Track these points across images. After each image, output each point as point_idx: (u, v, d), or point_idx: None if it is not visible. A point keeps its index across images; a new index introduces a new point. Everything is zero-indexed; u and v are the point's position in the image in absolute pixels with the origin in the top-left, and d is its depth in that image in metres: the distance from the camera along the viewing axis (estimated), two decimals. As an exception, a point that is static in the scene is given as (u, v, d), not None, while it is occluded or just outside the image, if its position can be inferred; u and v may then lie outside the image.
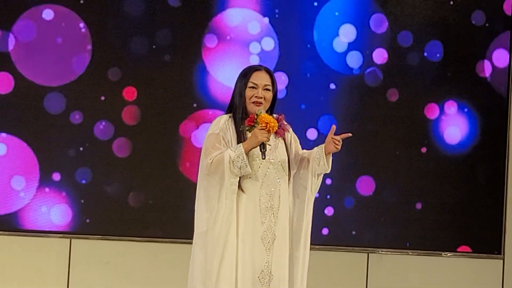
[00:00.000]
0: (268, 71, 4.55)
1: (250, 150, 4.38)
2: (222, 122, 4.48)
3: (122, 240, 6.67)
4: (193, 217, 6.63)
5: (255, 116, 4.39)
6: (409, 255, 6.88)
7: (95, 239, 6.66)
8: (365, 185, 6.85)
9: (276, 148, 4.50)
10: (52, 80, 6.64)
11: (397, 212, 6.87)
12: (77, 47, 6.65)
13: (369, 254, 6.85)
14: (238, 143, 4.42)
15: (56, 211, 6.64)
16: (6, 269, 6.60)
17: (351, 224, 6.81)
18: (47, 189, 6.62)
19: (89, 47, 6.65)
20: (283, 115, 4.55)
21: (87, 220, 6.65)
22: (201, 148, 6.59)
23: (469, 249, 6.91)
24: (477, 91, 6.95)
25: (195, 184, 6.54)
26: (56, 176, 6.62)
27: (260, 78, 4.50)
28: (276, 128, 4.39)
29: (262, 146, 4.36)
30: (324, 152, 4.49)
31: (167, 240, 6.69)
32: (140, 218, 6.69)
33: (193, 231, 6.59)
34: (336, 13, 6.83)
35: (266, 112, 4.47)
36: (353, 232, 6.79)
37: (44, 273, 6.62)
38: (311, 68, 6.80)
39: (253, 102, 4.47)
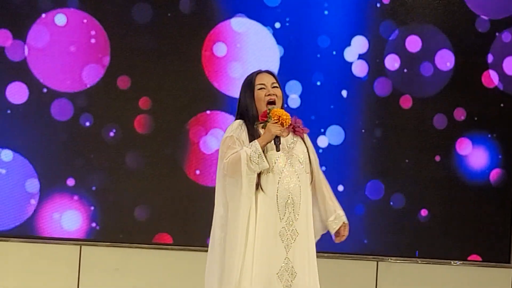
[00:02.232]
0: (269, 72, 4.62)
1: (265, 144, 4.40)
2: (236, 125, 4.51)
3: (131, 247, 6.68)
4: (202, 224, 6.67)
5: (268, 111, 4.44)
6: (418, 263, 6.88)
7: (105, 246, 6.67)
8: (375, 190, 6.84)
9: (295, 145, 4.52)
10: (65, 86, 6.66)
11: (406, 221, 6.87)
12: (88, 55, 6.67)
13: (378, 262, 6.85)
14: None
15: (66, 218, 6.65)
16: (17, 276, 6.61)
17: (360, 233, 6.80)
18: (58, 196, 6.64)
19: (100, 54, 6.68)
20: (300, 119, 4.59)
21: (97, 227, 6.67)
22: (209, 155, 6.72)
23: (479, 258, 6.90)
24: (487, 100, 6.94)
25: (205, 190, 6.63)
26: (71, 182, 6.64)
27: (265, 78, 4.57)
28: (289, 122, 4.43)
29: (276, 139, 4.39)
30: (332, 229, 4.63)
31: (176, 247, 6.70)
32: (150, 225, 6.70)
33: (203, 237, 6.63)
34: (347, 22, 6.84)
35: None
36: (365, 241, 6.79)
37: (54, 279, 6.63)
38: (321, 76, 6.81)
39: (267, 102, 4.51)
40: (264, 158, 4.37)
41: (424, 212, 6.88)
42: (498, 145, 6.95)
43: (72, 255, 6.64)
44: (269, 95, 4.51)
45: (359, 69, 6.85)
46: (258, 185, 4.42)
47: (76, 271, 6.65)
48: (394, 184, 6.86)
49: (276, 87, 4.55)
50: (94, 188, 6.66)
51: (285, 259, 4.42)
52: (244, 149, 4.39)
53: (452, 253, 6.88)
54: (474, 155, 6.93)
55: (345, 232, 4.65)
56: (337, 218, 4.63)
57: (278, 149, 4.40)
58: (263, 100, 4.51)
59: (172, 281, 6.69)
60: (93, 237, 6.67)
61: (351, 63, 6.84)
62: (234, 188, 4.42)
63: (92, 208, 6.66)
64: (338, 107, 6.81)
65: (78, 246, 6.65)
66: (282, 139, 4.46)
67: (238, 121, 4.53)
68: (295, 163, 4.48)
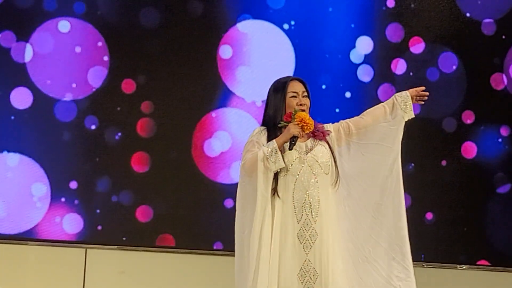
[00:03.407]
0: (301, 80, 4.65)
1: (283, 143, 4.43)
2: (257, 131, 4.56)
3: (137, 250, 6.69)
4: (207, 227, 6.68)
5: (293, 113, 4.46)
6: (424, 267, 6.86)
7: (110, 249, 6.68)
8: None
9: (315, 147, 4.52)
10: (70, 90, 6.68)
11: (412, 224, 6.85)
12: (93, 59, 6.69)
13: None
14: None
15: (71, 221, 6.66)
16: (22, 279, 6.63)
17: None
18: (63, 199, 6.65)
19: (106, 58, 6.70)
20: (324, 124, 4.61)
21: (103, 230, 6.68)
22: (214, 158, 6.72)
23: (486, 263, 6.88)
24: (493, 103, 6.93)
25: (209, 194, 6.64)
26: (73, 185, 6.65)
27: (298, 86, 4.60)
28: (312, 128, 4.44)
29: (293, 138, 4.41)
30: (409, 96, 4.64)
31: (181, 250, 6.70)
32: (154, 228, 6.70)
33: (208, 241, 6.63)
34: (352, 25, 6.85)
35: None
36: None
37: (59, 282, 6.64)
38: (327, 79, 6.81)
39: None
40: (280, 156, 4.39)
41: (429, 216, 6.87)
42: (506, 148, 6.93)
43: (77, 258, 6.65)
44: (300, 104, 4.54)
45: (364, 73, 6.84)
46: (274, 190, 4.43)
47: (82, 274, 6.66)
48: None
49: (306, 96, 4.59)
50: (99, 191, 6.67)
51: (305, 260, 4.43)
52: (262, 148, 4.43)
53: (458, 257, 6.86)
54: (481, 159, 6.91)
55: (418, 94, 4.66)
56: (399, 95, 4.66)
57: (290, 148, 4.41)
58: (293, 109, 4.54)
59: (178, 284, 6.69)
60: (99, 240, 6.67)
61: (356, 66, 6.84)
62: (252, 188, 4.44)
63: (98, 211, 6.67)
64: (344, 110, 6.81)
65: (84, 249, 6.66)
66: (301, 143, 4.49)
67: (259, 127, 4.58)
68: (313, 165, 4.49)
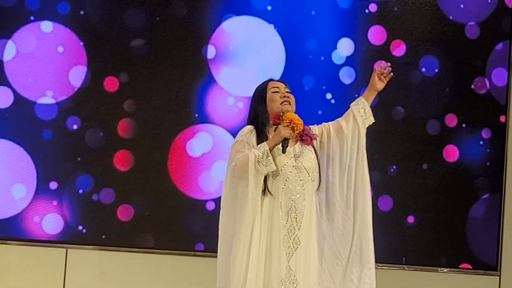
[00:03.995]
0: (283, 82, 4.66)
1: (274, 146, 4.41)
2: (246, 131, 4.53)
3: (118, 250, 6.67)
4: (188, 228, 6.67)
5: (281, 114, 4.45)
6: (405, 270, 6.86)
7: (91, 249, 6.66)
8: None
9: (302, 154, 4.51)
10: (51, 89, 6.66)
11: (393, 227, 6.86)
12: (75, 58, 6.67)
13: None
14: None
15: (52, 221, 6.64)
16: (3, 279, 6.60)
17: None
18: (43, 198, 6.63)
19: (87, 58, 6.68)
20: (310, 126, 4.60)
21: (83, 230, 6.66)
22: (196, 159, 6.71)
23: (468, 266, 6.88)
24: (476, 107, 6.94)
25: (190, 194, 6.63)
26: (53, 185, 6.63)
27: (278, 84, 4.62)
28: (301, 127, 4.43)
29: (285, 141, 4.39)
30: (366, 98, 4.63)
31: (162, 251, 6.69)
32: (136, 229, 6.69)
33: (188, 241, 6.62)
34: (334, 26, 6.85)
35: None
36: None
37: (40, 282, 6.62)
38: (309, 80, 6.81)
39: (281, 103, 4.52)
40: (271, 159, 4.37)
41: (409, 219, 6.87)
42: (487, 152, 6.94)
43: (58, 258, 6.63)
44: (284, 97, 4.54)
45: (347, 75, 6.84)
46: (265, 190, 4.42)
47: (62, 275, 6.64)
48: (380, 189, 6.85)
49: (289, 92, 4.59)
50: (81, 191, 6.65)
51: (286, 267, 4.42)
52: (253, 151, 4.40)
53: (439, 260, 6.86)
54: (462, 162, 6.92)
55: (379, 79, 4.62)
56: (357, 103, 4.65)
57: (284, 151, 4.40)
58: (277, 101, 4.53)
59: (158, 285, 6.68)
60: (80, 240, 6.65)
61: (338, 68, 6.84)
62: (241, 190, 4.41)
63: (79, 211, 6.64)
64: (326, 112, 6.81)
65: (64, 250, 6.64)
66: (290, 148, 4.47)
67: (248, 126, 4.55)
68: (301, 172, 4.48)
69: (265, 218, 4.43)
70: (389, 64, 4.65)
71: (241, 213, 4.40)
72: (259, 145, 4.42)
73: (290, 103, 4.54)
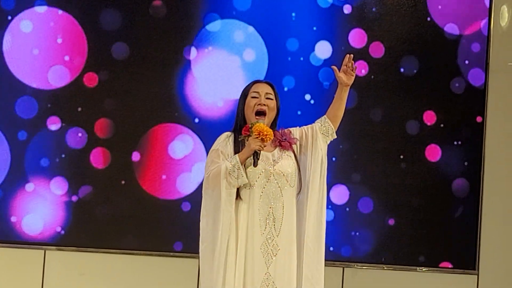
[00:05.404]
0: (269, 83, 4.60)
1: (246, 159, 4.39)
2: (222, 139, 4.52)
3: (97, 252, 6.64)
4: (168, 229, 6.65)
5: (250, 126, 4.42)
6: (385, 269, 6.88)
7: (70, 250, 6.63)
8: (340, 195, 6.84)
9: (280, 160, 4.48)
10: (31, 86, 6.63)
11: (372, 227, 6.88)
12: (54, 57, 6.64)
13: (344, 268, 6.85)
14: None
15: (30, 222, 6.60)
16: (-21, 280, 6.57)
17: (326, 238, 6.78)
18: (21, 199, 6.58)
19: (67, 57, 6.64)
20: (289, 129, 4.57)
21: (62, 231, 6.62)
22: (177, 160, 6.69)
23: (447, 265, 6.92)
24: (453, 108, 6.97)
25: (170, 195, 6.61)
26: (30, 186, 6.59)
27: (261, 88, 4.55)
28: (272, 137, 4.40)
29: (255, 154, 4.36)
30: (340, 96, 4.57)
31: (142, 252, 6.67)
32: (116, 230, 6.66)
33: (169, 243, 6.61)
34: (314, 28, 6.85)
35: (272, 124, 4.52)
36: (330, 248, 6.78)
37: (17, 284, 6.58)
38: (288, 81, 6.81)
39: (256, 111, 4.49)
40: (243, 173, 4.36)
41: (389, 219, 6.89)
42: (465, 153, 6.97)
43: (36, 259, 6.59)
44: (259, 104, 4.49)
45: (325, 75, 6.84)
46: (237, 198, 4.40)
47: (40, 276, 6.60)
48: (360, 189, 6.87)
49: (271, 98, 4.52)
50: (59, 192, 6.62)
51: (265, 273, 4.42)
52: (225, 163, 4.38)
53: (419, 259, 6.89)
54: (441, 162, 6.95)
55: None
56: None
57: (255, 165, 4.37)
58: (252, 109, 4.50)
59: (138, 285, 6.66)
60: (58, 241, 6.61)
61: (317, 69, 6.84)
62: (214, 202, 4.41)
63: (57, 211, 6.61)
64: (306, 113, 6.81)
65: (43, 251, 6.60)
66: (268, 154, 4.46)
67: (225, 133, 4.54)
68: (279, 179, 4.45)
69: (243, 226, 4.41)
70: (351, 55, 4.58)
71: (214, 225, 4.40)
72: (231, 157, 4.40)
73: (265, 113, 4.48)
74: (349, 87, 4.60)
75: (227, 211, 4.38)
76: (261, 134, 4.36)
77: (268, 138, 4.37)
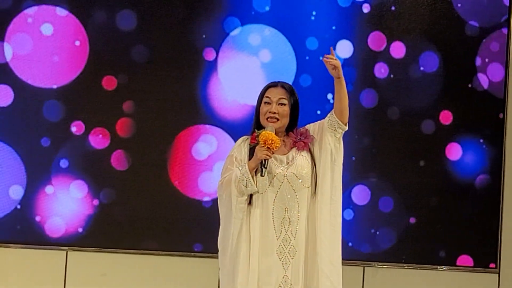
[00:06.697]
0: (283, 86, 4.53)
1: (255, 167, 4.39)
2: (238, 143, 4.53)
3: (118, 252, 6.67)
4: (187, 229, 6.68)
5: (256, 134, 4.41)
6: (405, 268, 6.88)
7: (91, 251, 6.65)
8: (361, 194, 6.84)
9: (294, 161, 4.45)
10: (51, 89, 6.66)
11: (393, 226, 6.87)
12: (74, 59, 6.66)
13: (365, 267, 6.85)
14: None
15: (52, 223, 6.63)
16: (2, 282, 6.59)
17: (347, 237, 6.80)
18: (43, 201, 6.62)
19: (85, 60, 6.67)
20: (306, 127, 4.54)
21: (83, 233, 6.65)
22: (200, 161, 6.71)
23: (467, 264, 6.90)
24: (474, 105, 6.95)
25: (188, 198, 6.63)
26: (54, 187, 6.62)
27: (275, 93, 4.49)
28: (279, 144, 4.37)
29: (263, 162, 4.36)
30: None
31: (162, 253, 6.69)
32: (137, 230, 6.68)
33: (188, 243, 6.62)
34: (333, 27, 6.84)
35: (291, 124, 4.49)
36: (349, 244, 6.78)
37: (40, 285, 6.61)
38: (308, 80, 6.81)
39: (267, 119, 4.47)
40: (252, 181, 4.36)
41: (410, 218, 6.88)
42: (487, 150, 6.95)
43: (58, 260, 6.62)
44: (270, 112, 4.46)
45: (345, 74, 6.82)
46: (251, 204, 4.41)
47: (63, 277, 6.63)
48: (381, 189, 6.86)
49: (283, 104, 4.48)
50: (81, 193, 6.64)
51: (283, 277, 4.41)
52: (236, 171, 4.39)
53: (439, 258, 6.88)
54: (462, 160, 6.93)
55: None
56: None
57: (262, 174, 4.36)
58: (264, 115, 4.48)
59: (159, 286, 6.67)
60: (80, 242, 6.64)
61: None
62: (226, 208, 4.43)
63: (79, 213, 6.63)
64: (325, 112, 6.79)
65: (65, 252, 6.63)
66: (282, 156, 4.44)
67: (242, 137, 4.55)
68: (293, 181, 4.44)
69: (256, 231, 4.40)
70: (331, 48, 4.50)
71: (225, 230, 4.44)
72: (241, 165, 4.40)
73: (277, 119, 4.46)
74: (340, 79, 4.45)
75: (238, 218, 4.39)
76: (266, 143, 4.35)
77: (274, 146, 4.35)
